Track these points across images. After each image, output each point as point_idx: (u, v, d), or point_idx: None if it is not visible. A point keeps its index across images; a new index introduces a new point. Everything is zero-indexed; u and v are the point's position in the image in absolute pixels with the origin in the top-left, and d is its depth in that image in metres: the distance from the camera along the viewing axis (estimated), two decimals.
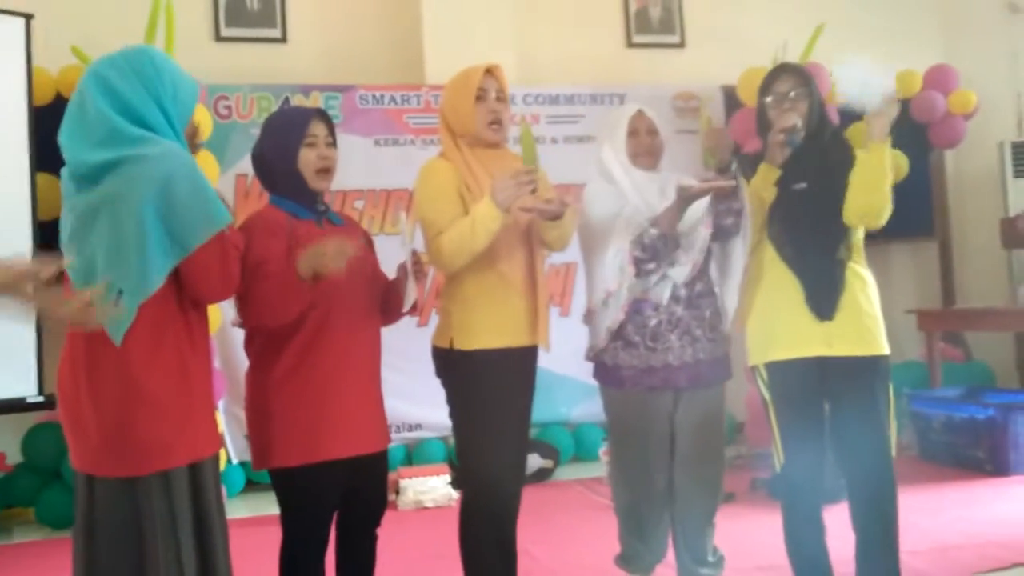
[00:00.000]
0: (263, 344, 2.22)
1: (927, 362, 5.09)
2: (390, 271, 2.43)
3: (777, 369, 2.52)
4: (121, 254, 1.81)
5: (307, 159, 2.24)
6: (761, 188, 2.54)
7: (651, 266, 2.54)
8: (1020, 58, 6.09)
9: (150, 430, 1.83)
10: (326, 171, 2.27)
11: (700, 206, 2.59)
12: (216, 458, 2.00)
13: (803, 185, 2.50)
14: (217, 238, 1.87)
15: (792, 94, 2.52)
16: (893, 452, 2.52)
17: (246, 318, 2.18)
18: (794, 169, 2.50)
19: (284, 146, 2.23)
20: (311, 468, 2.16)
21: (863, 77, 2.36)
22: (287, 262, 2.13)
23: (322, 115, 2.29)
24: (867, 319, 2.49)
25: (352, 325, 2.22)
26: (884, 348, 2.51)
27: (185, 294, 1.91)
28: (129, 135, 1.84)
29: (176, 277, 1.88)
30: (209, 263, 1.88)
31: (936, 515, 3.61)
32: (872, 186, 2.42)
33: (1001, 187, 5.89)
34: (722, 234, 2.60)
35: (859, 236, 2.54)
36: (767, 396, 2.56)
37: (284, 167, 2.23)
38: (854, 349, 2.46)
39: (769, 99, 2.56)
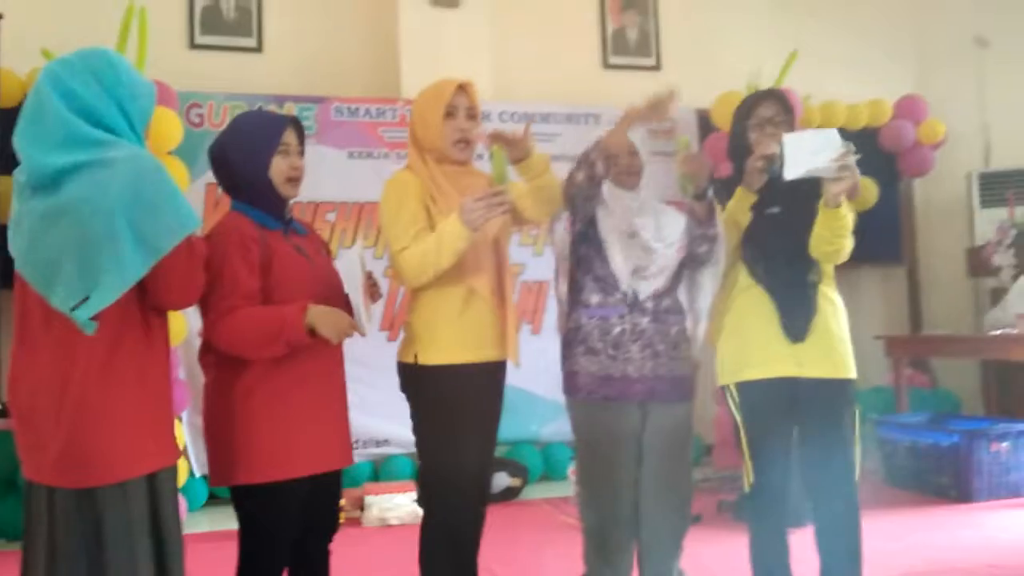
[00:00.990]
0: (224, 357, 2.13)
1: (894, 388, 5.14)
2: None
3: (748, 389, 2.53)
4: (90, 257, 1.75)
5: (279, 167, 2.19)
6: (737, 212, 2.57)
7: (580, 175, 2.48)
8: (988, 90, 6.21)
9: (107, 440, 1.79)
10: (296, 180, 2.23)
11: (675, 230, 2.60)
12: (174, 469, 1.95)
13: (776, 209, 2.52)
14: (185, 243, 1.83)
15: (776, 120, 2.53)
16: (857, 476, 2.53)
17: (214, 340, 2.09)
18: (768, 194, 2.52)
19: (256, 151, 2.17)
20: (277, 486, 2.10)
21: (811, 149, 2.32)
22: (260, 283, 2.08)
23: (296, 124, 2.25)
24: (837, 342, 2.51)
25: (317, 338, 2.16)
26: (852, 372, 2.53)
27: (148, 300, 1.87)
28: (90, 138, 1.80)
29: (137, 284, 1.82)
30: (176, 268, 1.84)
31: (900, 540, 3.62)
32: (828, 242, 2.44)
33: (968, 216, 6.00)
34: (695, 261, 2.61)
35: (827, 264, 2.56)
36: (737, 416, 2.57)
37: (253, 173, 2.17)
38: (824, 371, 2.48)
39: (750, 122, 2.57)
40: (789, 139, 2.33)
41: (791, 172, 2.32)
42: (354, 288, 2.21)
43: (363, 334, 2.20)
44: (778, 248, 2.50)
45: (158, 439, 1.89)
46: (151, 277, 1.82)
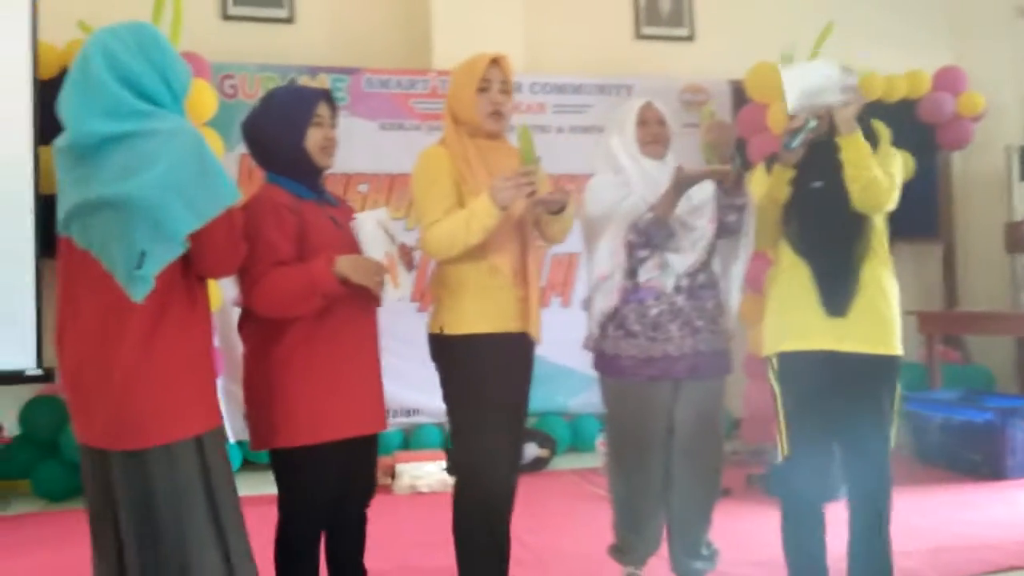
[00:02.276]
0: (264, 324, 2.20)
1: (927, 364, 5.09)
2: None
3: (787, 360, 2.53)
4: (139, 226, 1.80)
5: (314, 138, 2.25)
6: (775, 188, 2.53)
7: (644, 252, 2.55)
8: None
9: (154, 403, 1.84)
10: (329, 150, 2.30)
11: (704, 199, 2.59)
12: (221, 430, 1.99)
13: (819, 184, 2.50)
14: (226, 213, 1.89)
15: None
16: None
17: (253, 305, 2.17)
18: (809, 168, 2.51)
19: (292, 123, 2.23)
20: (315, 449, 2.16)
21: (811, 81, 2.35)
22: (296, 250, 2.15)
23: (329, 97, 2.31)
24: (881, 319, 2.50)
25: (353, 304, 2.23)
26: (896, 349, 2.52)
27: (191, 268, 1.92)
28: (137, 109, 1.84)
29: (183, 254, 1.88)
30: (218, 236, 1.89)
31: (930, 516, 3.61)
32: (858, 174, 2.42)
33: (1007, 191, 5.88)
34: (725, 230, 2.60)
35: (880, 238, 2.54)
36: (776, 387, 2.57)
37: (290, 144, 2.23)
38: (866, 347, 2.48)
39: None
40: (787, 75, 2.38)
41: (793, 105, 2.35)
42: (376, 250, 2.24)
43: (395, 285, 2.26)
44: (822, 222, 2.49)
45: (203, 402, 1.94)
46: (195, 245, 1.87)
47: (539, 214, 2.45)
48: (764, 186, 2.58)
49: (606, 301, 2.59)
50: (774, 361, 2.58)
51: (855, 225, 2.49)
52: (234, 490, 1.98)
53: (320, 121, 2.26)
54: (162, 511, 1.86)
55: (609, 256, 2.57)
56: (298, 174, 2.26)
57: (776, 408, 2.57)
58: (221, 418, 1.98)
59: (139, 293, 1.82)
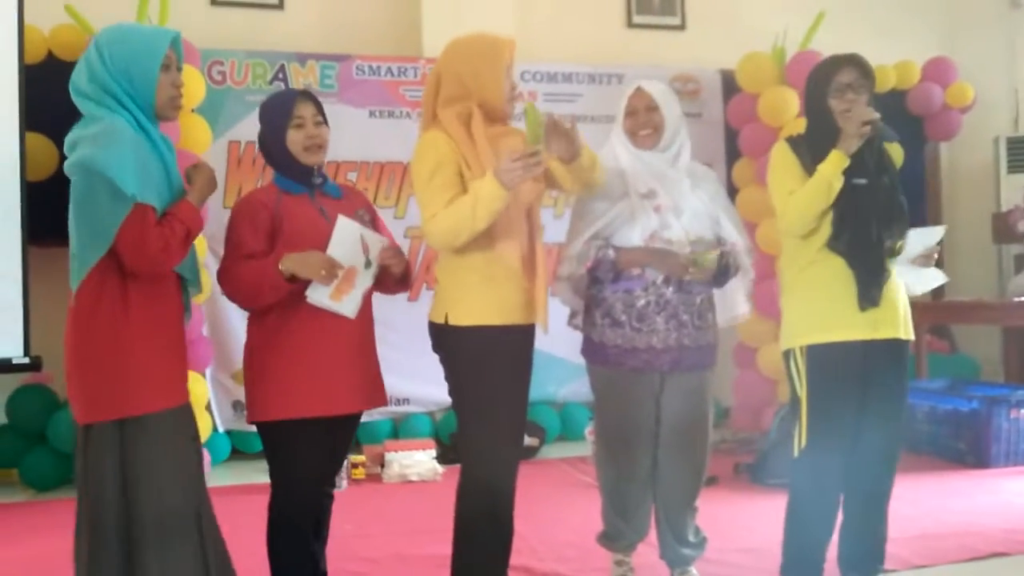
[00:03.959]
0: (251, 314, 2.37)
1: (914, 353, 5.12)
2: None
3: (819, 351, 2.52)
4: (77, 217, 2.00)
5: (294, 139, 2.33)
6: (832, 176, 2.46)
7: (595, 286, 2.61)
8: (1019, 53, 6.09)
9: (84, 383, 1.99)
10: (314, 148, 2.35)
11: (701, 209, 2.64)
12: (161, 417, 2.04)
13: (863, 181, 2.50)
14: (135, 217, 1.95)
15: (856, 85, 2.49)
16: None
17: (225, 294, 2.35)
18: (857, 164, 2.49)
19: (274, 128, 2.34)
20: (284, 425, 2.27)
21: (920, 240, 2.66)
22: (267, 244, 2.28)
23: (307, 96, 2.37)
24: (903, 305, 2.59)
25: (300, 282, 2.28)
26: (913, 333, 2.62)
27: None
28: (90, 113, 2.02)
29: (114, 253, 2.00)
30: (125, 240, 1.96)
31: (915, 504, 3.64)
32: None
33: (995, 182, 5.91)
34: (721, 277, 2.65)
35: None
36: (801, 379, 2.55)
37: (274, 147, 2.35)
38: (894, 332, 2.55)
39: (830, 88, 2.50)
40: (915, 233, 2.63)
41: (904, 259, 2.61)
42: (340, 254, 2.27)
43: (335, 297, 2.29)
44: (864, 219, 2.50)
45: (130, 386, 2.01)
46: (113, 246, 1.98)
47: (553, 168, 2.37)
48: (795, 167, 2.53)
49: (571, 267, 2.62)
50: (800, 353, 2.56)
51: (893, 224, 2.53)
52: (158, 474, 2.03)
53: (300, 122, 2.32)
54: (83, 489, 2.01)
55: (575, 261, 2.60)
56: (288, 172, 2.37)
57: (799, 400, 2.56)
58: (158, 405, 2.02)
59: (73, 283, 1.99)
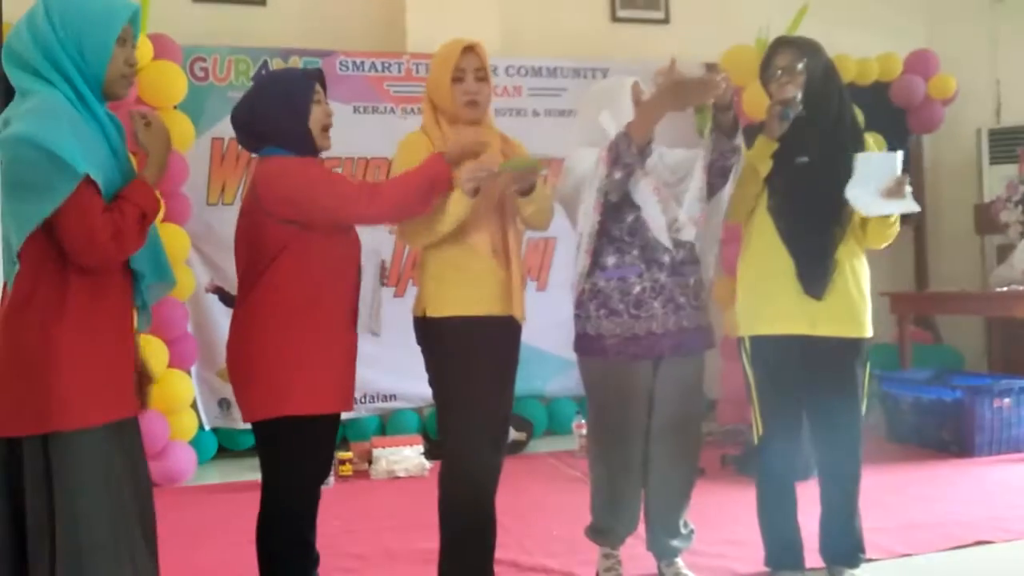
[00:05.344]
0: (240, 310, 2.28)
1: (898, 344, 5.16)
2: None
3: (760, 343, 2.55)
4: (8, 199, 1.76)
5: (316, 116, 2.27)
6: (757, 160, 2.52)
7: (618, 174, 2.47)
8: (1001, 45, 6.12)
9: (6, 390, 1.74)
10: (328, 129, 2.32)
11: (680, 159, 2.59)
12: (93, 434, 1.78)
13: (805, 159, 2.49)
14: (80, 198, 1.70)
15: (791, 67, 2.49)
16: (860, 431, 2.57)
17: (382, 214, 2.27)
18: (795, 142, 2.49)
19: (295, 104, 2.24)
20: (273, 424, 2.21)
21: (875, 172, 2.44)
22: None
23: (321, 77, 2.35)
24: (854, 301, 2.52)
25: (317, 283, 2.24)
26: (867, 331, 2.54)
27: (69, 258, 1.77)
28: (25, 88, 1.77)
29: (53, 241, 1.75)
30: (70, 225, 1.72)
31: (901, 493, 3.66)
32: (880, 241, 2.57)
33: (977, 173, 5.95)
34: (722, 178, 2.53)
35: (855, 218, 2.54)
36: (749, 370, 2.59)
37: (296, 126, 2.24)
38: (837, 330, 2.49)
39: (768, 74, 2.55)
40: (860, 158, 2.41)
41: (852, 191, 2.40)
42: (368, 284, 2.32)
43: (374, 327, 2.36)
44: (804, 200, 2.48)
45: (59, 397, 1.75)
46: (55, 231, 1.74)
47: (512, 195, 2.43)
48: (744, 157, 2.55)
49: (580, 262, 2.59)
50: (747, 343, 2.60)
51: (837, 204, 2.46)
52: (85, 495, 1.77)
53: (319, 98, 2.28)
54: (59, 499, 1.74)
55: (584, 217, 2.55)
56: (303, 153, 2.26)
57: (749, 389, 2.60)
58: (88, 421, 1.76)
59: (8, 276, 1.75)
